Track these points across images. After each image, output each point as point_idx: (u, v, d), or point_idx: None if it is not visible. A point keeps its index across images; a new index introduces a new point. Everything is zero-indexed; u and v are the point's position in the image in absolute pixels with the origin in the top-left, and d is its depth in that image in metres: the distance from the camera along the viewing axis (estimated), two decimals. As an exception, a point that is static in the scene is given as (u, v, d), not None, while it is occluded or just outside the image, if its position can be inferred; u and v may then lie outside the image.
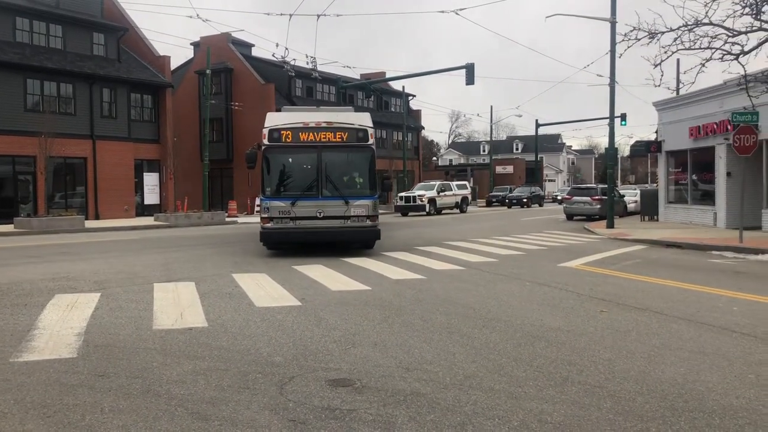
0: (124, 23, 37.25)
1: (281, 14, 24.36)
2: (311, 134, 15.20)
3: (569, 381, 5.59)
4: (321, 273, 12.13)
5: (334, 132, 15.27)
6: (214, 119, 41.59)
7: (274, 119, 15.67)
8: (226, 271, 12.41)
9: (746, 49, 16.65)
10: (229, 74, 45.37)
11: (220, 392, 5.26)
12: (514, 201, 53.97)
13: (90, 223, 28.90)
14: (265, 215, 15.17)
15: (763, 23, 16.21)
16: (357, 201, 15.28)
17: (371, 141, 15.55)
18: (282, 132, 15.21)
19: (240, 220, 34.07)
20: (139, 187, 36.49)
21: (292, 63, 24.33)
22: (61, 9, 33.72)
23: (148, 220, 31.51)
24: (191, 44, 48.99)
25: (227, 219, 33.17)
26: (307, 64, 23.88)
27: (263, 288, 10.47)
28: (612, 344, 6.89)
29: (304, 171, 15.62)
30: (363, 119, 15.88)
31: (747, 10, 16.11)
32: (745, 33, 16.51)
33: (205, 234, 23.99)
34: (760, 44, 16.68)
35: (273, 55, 23.29)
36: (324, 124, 15.31)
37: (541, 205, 56.53)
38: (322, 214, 15.14)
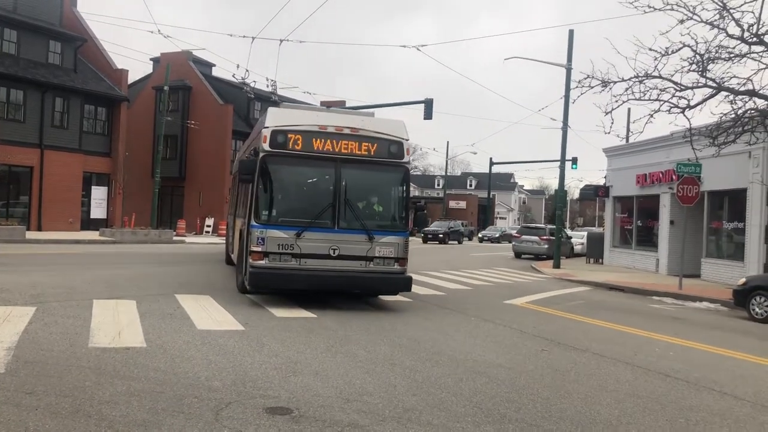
0: (84, 33, 36.64)
1: (244, 36, 24.37)
2: (329, 142, 11.22)
3: (507, 418, 5.63)
4: (267, 298, 11.98)
5: (359, 142, 11.32)
6: (168, 136, 41.00)
7: (279, 117, 11.40)
8: (170, 291, 12.16)
9: (692, 103, 17.37)
10: (188, 92, 44.94)
11: (154, 415, 5.12)
12: (430, 236, 48.34)
13: (31, 235, 28.00)
14: (258, 248, 10.79)
15: (708, 80, 16.94)
16: (384, 237, 11.32)
17: (407, 158, 11.76)
18: (290, 136, 11.06)
19: (188, 239, 33.50)
20: (86, 200, 35.57)
21: (253, 85, 24.24)
22: (18, 14, 33.01)
23: (93, 235, 30.69)
24: (151, 59, 48.44)
25: (175, 238, 32.57)
26: (267, 87, 23.78)
27: (206, 310, 10.29)
28: (551, 383, 6.97)
29: (315, 191, 11.68)
30: (397, 128, 11.82)
31: (694, 66, 16.83)
32: (692, 88, 17.23)
33: (151, 252, 23.49)
34: (704, 100, 17.41)
35: (233, 76, 23.20)
36: (347, 131, 11.30)
37: (460, 242, 52.12)
38: (337, 253, 11.02)
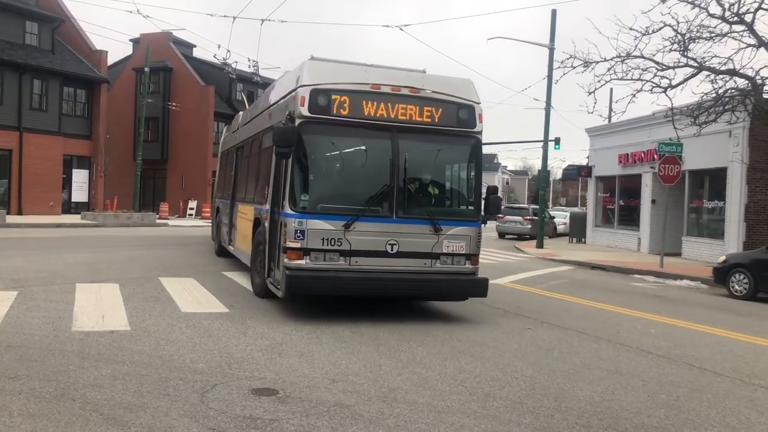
0: (61, 14, 36.02)
1: (225, 16, 24.07)
2: (383, 106, 8.80)
3: (491, 396, 5.69)
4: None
5: (420, 106, 8.98)
6: (150, 118, 40.56)
7: (320, 73, 8.85)
8: (153, 275, 12.10)
9: (674, 83, 17.48)
10: (169, 73, 44.39)
11: (139, 398, 5.12)
12: None
13: (12, 219, 27.68)
14: (296, 244, 8.42)
15: (689, 60, 17.03)
16: (454, 228, 9.04)
17: (479, 126, 9.31)
18: (335, 97, 8.61)
19: (171, 222, 33.30)
20: (67, 183, 35.16)
21: (234, 65, 24.02)
22: (-8, -6, 32.39)
23: (74, 218, 30.43)
24: (130, 40, 47.72)
25: (158, 221, 32.35)
26: (249, 67, 23.59)
27: (190, 293, 10.26)
28: (534, 361, 7.05)
29: (366, 169, 9.14)
30: (466, 88, 9.42)
31: (675, 46, 16.92)
32: (673, 68, 17.33)
33: (134, 235, 23.34)
34: (686, 79, 17.52)
35: (215, 57, 22.95)
36: (406, 91, 8.94)
37: None
38: (395, 249, 8.74)
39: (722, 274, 14.80)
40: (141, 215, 31.27)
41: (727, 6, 16.16)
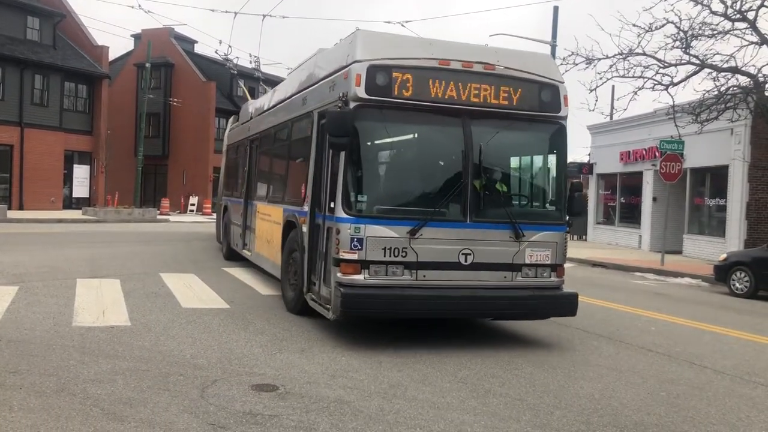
0: (62, 9, 35.99)
1: (226, 11, 24.10)
2: (453, 86, 7.27)
3: (491, 393, 5.69)
4: (253, 276, 11.96)
5: (496, 85, 7.43)
6: (151, 114, 40.54)
7: (377, 46, 7.29)
8: (154, 270, 12.10)
9: (675, 80, 17.46)
10: (170, 69, 44.36)
11: (139, 393, 5.13)
12: None
13: (13, 214, 27.70)
14: (352, 255, 6.93)
15: (691, 57, 17.01)
16: (537, 233, 7.58)
17: (564, 110, 7.81)
18: (396, 75, 7.07)
19: (172, 218, 33.30)
20: (68, 179, 35.18)
21: (236, 61, 23.96)
22: (-6, -11, 32.37)
23: (75, 214, 30.43)
24: (132, 36, 47.68)
25: (159, 217, 32.37)
26: (251, 63, 23.55)
27: (191, 289, 10.26)
28: (534, 358, 7.05)
29: (434, 163, 7.80)
30: (546, 65, 7.98)
31: (677, 43, 16.89)
32: (675, 65, 17.31)
33: (135, 231, 23.35)
34: (688, 77, 17.50)
35: (216, 52, 22.95)
36: (479, 68, 7.40)
37: None
38: (470, 260, 7.28)
39: (723, 272, 14.79)
40: (142, 211, 31.29)
41: (729, 3, 16.13)
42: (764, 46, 16.33)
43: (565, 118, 7.88)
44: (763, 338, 9.22)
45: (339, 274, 6.94)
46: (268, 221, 10.52)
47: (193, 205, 40.33)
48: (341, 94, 7.12)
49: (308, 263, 7.99)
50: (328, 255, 7.31)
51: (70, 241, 17.71)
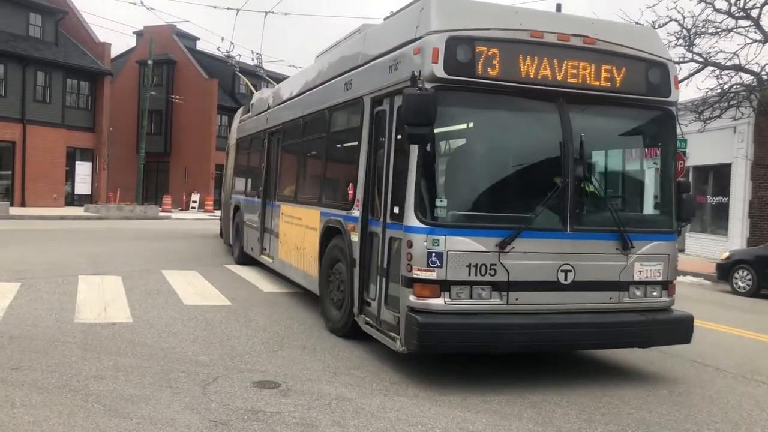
0: (64, 6, 35.97)
1: (228, 8, 24.06)
2: (546, 63, 6.00)
3: (493, 390, 5.68)
4: (255, 274, 11.96)
5: (597, 63, 6.15)
6: (153, 111, 40.51)
7: (455, 13, 5.98)
8: (156, 267, 12.10)
9: (678, 78, 17.40)
10: (172, 66, 44.33)
11: (141, 390, 5.13)
12: None
13: (15, 211, 27.72)
14: (428, 274, 5.67)
15: (694, 55, 16.97)
16: (646, 243, 6.31)
17: (675, 93, 6.58)
18: (480, 49, 5.80)
19: (174, 215, 33.32)
20: (70, 175, 35.20)
21: (238, 58, 23.96)
22: (-4, -14, 32.37)
23: (77, 211, 30.46)
24: (134, 33, 47.66)
25: (161, 214, 32.37)
26: (253, 60, 23.55)
27: (193, 286, 10.26)
28: (536, 357, 7.04)
29: (527, 158, 6.45)
30: (650, 40, 6.66)
31: (681, 41, 16.86)
32: (678, 63, 17.24)
33: (137, 228, 23.36)
34: (691, 74, 17.49)
35: (218, 49, 22.93)
36: (577, 41, 6.11)
37: None
38: (570, 278, 6.02)
39: (725, 271, 14.76)
40: (144, 208, 31.29)
41: (733, 1, 16.09)
42: (768, 43, 16.28)
43: (675, 103, 6.65)
44: (765, 337, 9.20)
45: (412, 297, 5.62)
46: (298, 226, 9.19)
47: (195, 202, 40.33)
48: (415, 73, 5.67)
49: (360, 279, 6.75)
50: (391, 271, 6.14)
51: (71, 238, 17.72)
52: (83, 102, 35.77)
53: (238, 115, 16.04)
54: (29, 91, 32.47)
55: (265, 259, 11.26)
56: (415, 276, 5.63)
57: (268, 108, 12.05)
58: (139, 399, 4.91)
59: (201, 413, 4.69)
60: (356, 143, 7.16)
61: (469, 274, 5.67)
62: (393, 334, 5.95)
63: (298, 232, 9.21)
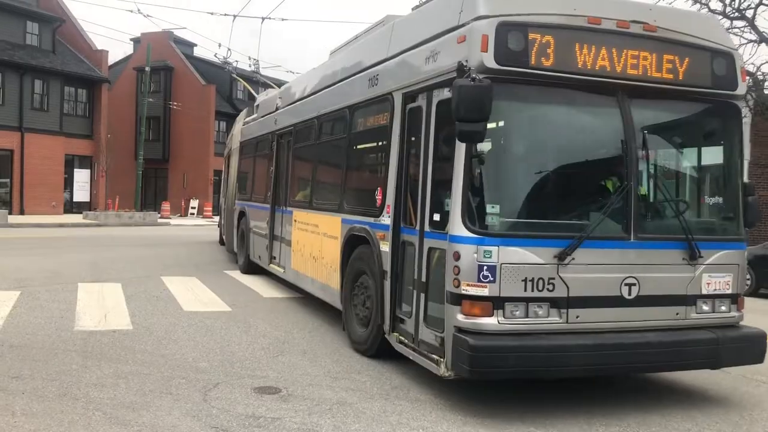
0: (61, 14, 36.02)
1: (225, 14, 24.17)
2: (604, 52, 5.38)
3: (499, 398, 5.68)
4: (255, 279, 11.96)
5: (658, 52, 5.54)
6: (151, 118, 40.56)
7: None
8: (156, 274, 12.10)
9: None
10: (170, 73, 44.41)
11: (141, 397, 5.13)
12: None
13: (13, 219, 27.71)
14: (480, 290, 5.03)
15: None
16: (715, 252, 5.76)
17: (742, 86, 5.99)
18: (533, 36, 5.16)
19: (173, 221, 33.32)
20: (68, 183, 35.22)
21: (235, 64, 24.02)
22: (-7, -6, 32.43)
23: (76, 218, 30.46)
24: (131, 40, 47.75)
25: (159, 220, 32.39)
26: (250, 66, 23.60)
27: (193, 292, 10.26)
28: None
29: (584, 159, 5.84)
30: (713, 27, 6.26)
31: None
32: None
33: (136, 235, 23.35)
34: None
35: (215, 56, 22.99)
36: (637, 28, 5.48)
37: None
38: (635, 292, 5.40)
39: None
40: (143, 215, 31.32)
41: (728, 2, 16.13)
42: (763, 44, 16.32)
43: (742, 97, 6.10)
44: (765, 336, 9.19)
45: (460, 316, 5.03)
46: (314, 233, 8.58)
47: (194, 208, 40.36)
48: (463, 63, 5.11)
49: (392, 294, 6.18)
50: (431, 286, 5.59)
51: (71, 246, 17.72)
52: (81, 109, 35.80)
53: (242, 118, 15.42)
54: (27, 99, 32.50)
55: (275, 268, 10.65)
56: (463, 292, 5.03)
57: (277, 109, 11.38)
58: (139, 406, 4.91)
59: (202, 420, 4.69)
60: (384, 143, 6.64)
61: (525, 290, 5.08)
62: (435, 357, 5.33)
63: (314, 240, 8.59)
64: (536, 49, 5.15)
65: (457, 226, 5.09)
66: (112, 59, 41.13)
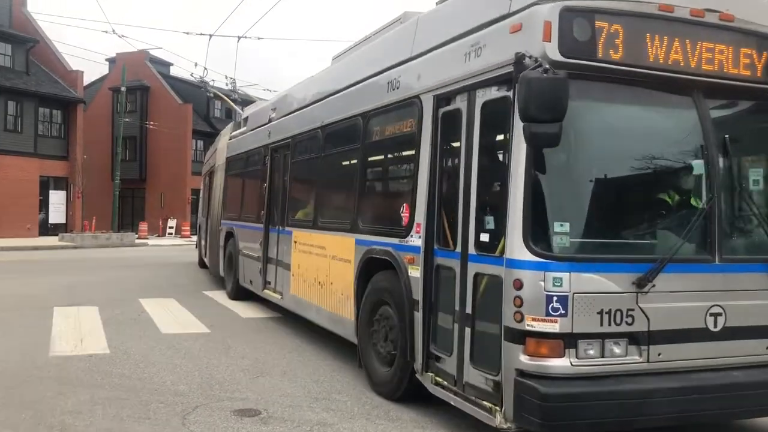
0: (35, 34, 35.72)
1: (201, 34, 24.10)
2: (677, 44, 4.59)
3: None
4: (235, 301, 11.83)
5: (734, 45, 4.77)
6: (127, 138, 40.22)
7: None
8: (133, 296, 11.95)
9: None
10: (146, 92, 44.17)
11: (119, 423, 5.05)
12: None
13: (-13, 242, 27.27)
14: (547, 326, 4.20)
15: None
16: None
17: None
18: (600, 25, 4.38)
19: (151, 242, 32.98)
20: (44, 205, 34.74)
21: (212, 83, 23.95)
22: (-35, 16, 32.13)
23: (52, 240, 30.03)
24: (106, 60, 47.38)
25: (137, 241, 32.03)
26: (227, 85, 23.56)
27: (171, 314, 10.15)
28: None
29: (660, 168, 4.84)
30: None
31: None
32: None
33: (114, 256, 23.08)
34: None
35: (191, 75, 22.93)
36: (712, 17, 4.72)
37: None
38: (720, 323, 4.57)
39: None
40: (120, 235, 30.97)
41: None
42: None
43: None
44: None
45: (524, 357, 4.24)
46: (320, 256, 7.71)
47: (172, 228, 39.99)
48: (520, 55, 4.33)
49: (425, 327, 5.37)
50: (478, 319, 4.75)
51: (46, 269, 17.46)
52: (56, 130, 35.42)
53: (227, 132, 14.57)
54: (0, 121, 32.12)
55: (270, 294, 9.71)
56: (528, 328, 4.21)
57: (270, 121, 10.54)
58: (116, 432, 4.83)
59: (180, 445, 4.62)
60: (409, 154, 5.94)
61: (601, 324, 4.29)
62: (487, 404, 4.53)
63: (319, 263, 7.70)
64: (604, 40, 4.41)
65: (518, 249, 4.28)
66: (87, 80, 40.82)
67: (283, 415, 5.33)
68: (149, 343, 7.99)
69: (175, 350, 7.61)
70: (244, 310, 10.70)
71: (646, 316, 4.35)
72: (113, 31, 24.26)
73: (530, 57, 4.27)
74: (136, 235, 33.70)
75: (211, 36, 22.32)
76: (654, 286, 4.36)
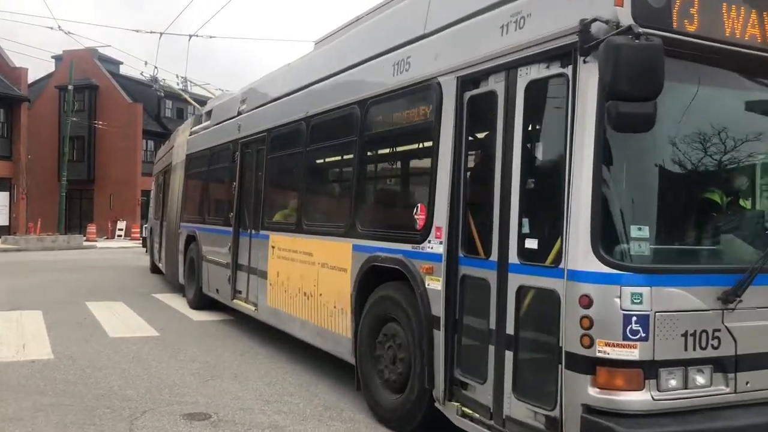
0: (-23, 30, 34.63)
1: (151, 32, 23.56)
2: (754, 17, 3.86)
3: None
4: (185, 302, 11.64)
5: None
6: (75, 137, 39.22)
7: None
8: (80, 299, 11.63)
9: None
10: (94, 91, 43.13)
11: (62, 430, 4.90)
12: None
13: (-75, 245, 26.26)
14: (624, 352, 3.45)
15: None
16: None
17: None
18: None
19: (99, 244, 32.22)
20: (-14, 207, 33.68)
21: (163, 82, 23.46)
22: None
23: (-6, 243, 29.07)
24: (53, 57, 46.13)
25: (85, 243, 31.24)
26: (178, 84, 23.12)
27: (119, 317, 9.92)
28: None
29: (742, 158, 4.16)
30: None
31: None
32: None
33: (60, 259, 22.44)
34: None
35: (141, 74, 22.38)
36: None
37: None
38: None
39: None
40: (67, 238, 30.15)
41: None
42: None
43: None
44: None
45: (593, 390, 3.52)
46: (305, 263, 6.81)
47: (121, 230, 39.15)
48: (591, 18, 3.58)
49: (447, 349, 4.57)
50: (523, 341, 4.00)
51: (-12, 272, 16.86)
52: (-1, 129, 34.35)
53: (187, 127, 13.28)
54: (-61, 120, 30.99)
55: (241, 305, 8.80)
56: (599, 355, 3.48)
57: (239, 113, 9.60)
58: (60, 440, 4.69)
59: (127, 451, 4.51)
60: (423, 146, 5.27)
61: (686, 348, 3.58)
62: None
63: (305, 271, 6.81)
64: (679, 7, 3.70)
65: (584, 258, 3.54)
66: (32, 77, 39.67)
67: (233, 419, 5.26)
68: (96, 347, 7.78)
69: (123, 354, 7.44)
70: (195, 313, 10.53)
71: (734, 337, 3.68)
72: (59, 27, 23.46)
73: (606, 21, 3.52)
74: (84, 238, 32.86)
75: (161, 34, 21.80)
76: (741, 301, 3.68)
